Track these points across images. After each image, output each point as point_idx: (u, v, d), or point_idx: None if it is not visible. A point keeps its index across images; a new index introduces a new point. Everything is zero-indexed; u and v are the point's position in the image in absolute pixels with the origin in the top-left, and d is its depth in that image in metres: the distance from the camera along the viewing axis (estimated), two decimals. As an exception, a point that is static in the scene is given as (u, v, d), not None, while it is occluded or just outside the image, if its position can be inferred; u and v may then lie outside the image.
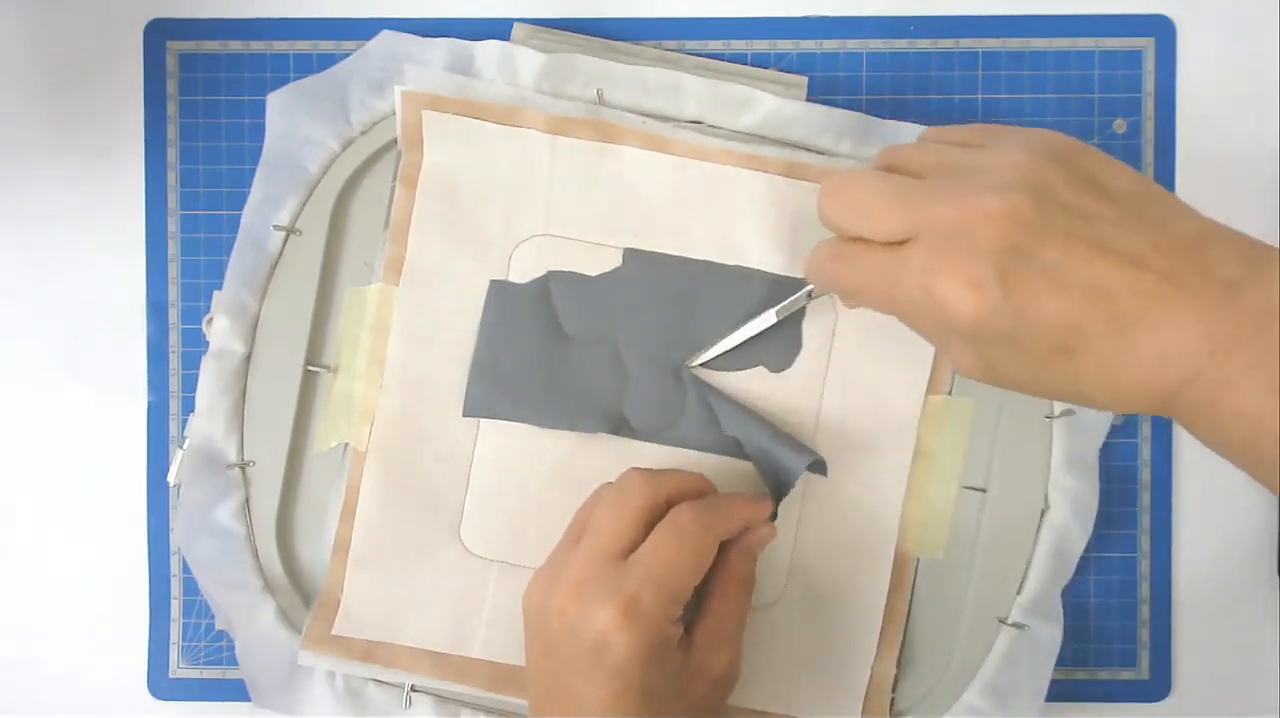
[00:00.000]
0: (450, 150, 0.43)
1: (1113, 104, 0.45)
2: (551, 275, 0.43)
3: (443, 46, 0.44)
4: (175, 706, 0.45)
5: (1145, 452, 0.45)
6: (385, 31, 0.44)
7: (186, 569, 0.45)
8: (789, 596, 0.43)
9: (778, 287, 0.43)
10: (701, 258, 0.43)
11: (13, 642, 0.46)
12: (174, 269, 0.46)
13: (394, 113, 0.43)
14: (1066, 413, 0.43)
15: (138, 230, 0.46)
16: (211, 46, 0.45)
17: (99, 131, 0.46)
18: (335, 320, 0.44)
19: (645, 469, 0.40)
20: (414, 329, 0.43)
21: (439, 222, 0.43)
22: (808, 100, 0.44)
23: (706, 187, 0.43)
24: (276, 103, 0.44)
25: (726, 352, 0.43)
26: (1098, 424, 0.44)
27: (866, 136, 0.44)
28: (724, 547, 0.39)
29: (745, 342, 0.42)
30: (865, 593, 0.43)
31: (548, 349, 0.43)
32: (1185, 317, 0.30)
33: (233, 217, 0.45)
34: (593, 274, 0.43)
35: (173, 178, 0.46)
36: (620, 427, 0.43)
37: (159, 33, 0.45)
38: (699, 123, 0.44)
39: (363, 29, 0.45)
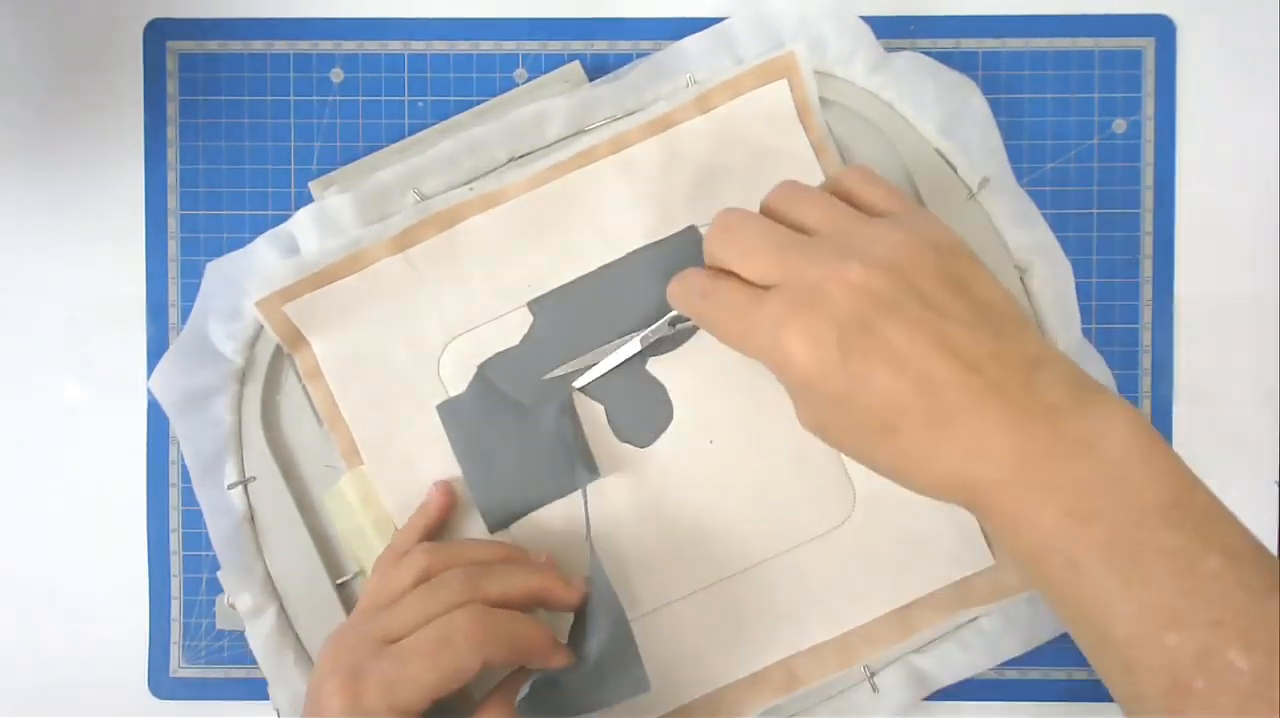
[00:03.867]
0: (329, 324, 0.43)
1: (1113, 104, 0.45)
2: (483, 367, 0.43)
3: (263, 244, 0.44)
4: (176, 705, 0.45)
5: (1145, 452, 0.45)
6: (208, 265, 0.44)
7: (187, 569, 0.45)
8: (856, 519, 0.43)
9: (671, 248, 0.43)
10: (596, 266, 0.43)
11: (13, 642, 0.46)
12: (174, 269, 0.46)
13: (261, 326, 0.43)
14: (984, 183, 0.43)
15: (138, 230, 0.46)
16: (211, 46, 0.46)
17: (99, 132, 0.46)
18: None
19: (435, 545, 0.40)
20: (400, 490, 0.43)
21: (362, 390, 0.43)
22: (590, 81, 0.44)
23: (556, 207, 0.43)
24: (161, 382, 0.44)
25: (614, 367, 0.43)
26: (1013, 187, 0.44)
27: (654, 80, 0.44)
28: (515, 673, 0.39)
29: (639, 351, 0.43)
30: None
31: (523, 431, 0.43)
32: (1003, 424, 0.31)
33: (233, 217, 0.45)
34: (517, 341, 0.43)
35: (173, 178, 0.46)
36: (620, 456, 0.43)
37: (159, 33, 0.45)
38: (517, 157, 0.44)
39: (362, 28, 0.45)
